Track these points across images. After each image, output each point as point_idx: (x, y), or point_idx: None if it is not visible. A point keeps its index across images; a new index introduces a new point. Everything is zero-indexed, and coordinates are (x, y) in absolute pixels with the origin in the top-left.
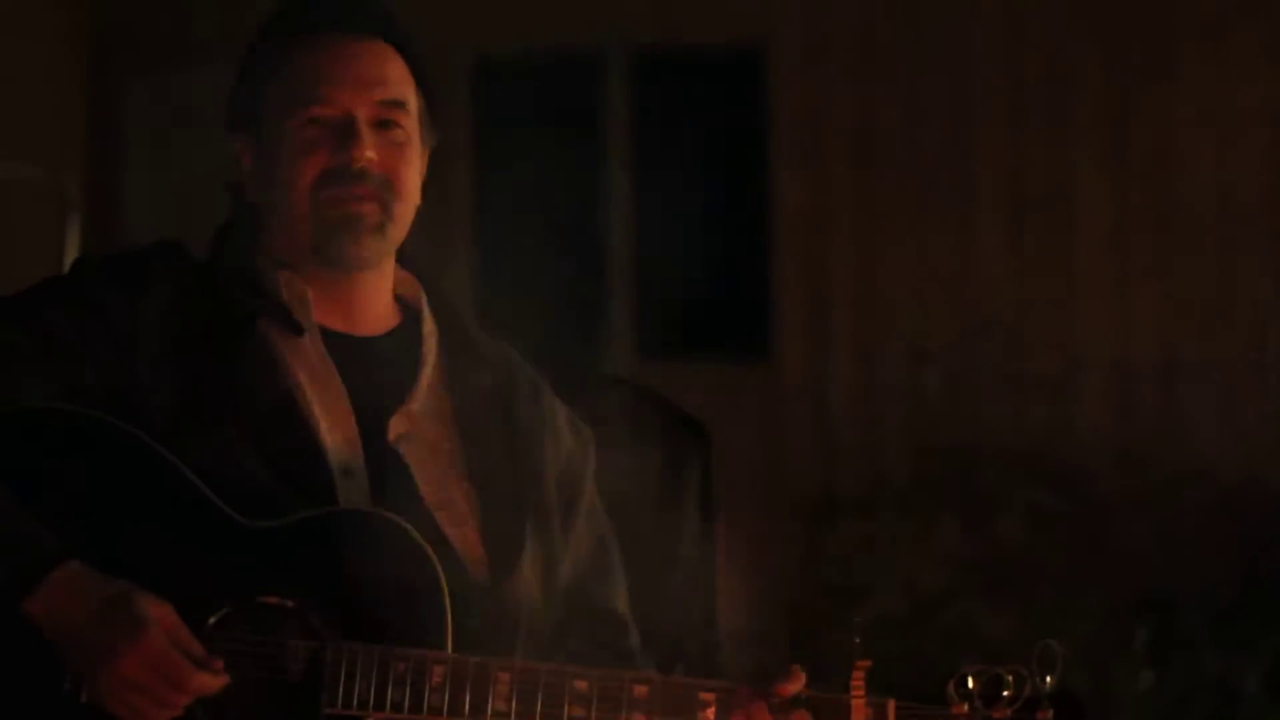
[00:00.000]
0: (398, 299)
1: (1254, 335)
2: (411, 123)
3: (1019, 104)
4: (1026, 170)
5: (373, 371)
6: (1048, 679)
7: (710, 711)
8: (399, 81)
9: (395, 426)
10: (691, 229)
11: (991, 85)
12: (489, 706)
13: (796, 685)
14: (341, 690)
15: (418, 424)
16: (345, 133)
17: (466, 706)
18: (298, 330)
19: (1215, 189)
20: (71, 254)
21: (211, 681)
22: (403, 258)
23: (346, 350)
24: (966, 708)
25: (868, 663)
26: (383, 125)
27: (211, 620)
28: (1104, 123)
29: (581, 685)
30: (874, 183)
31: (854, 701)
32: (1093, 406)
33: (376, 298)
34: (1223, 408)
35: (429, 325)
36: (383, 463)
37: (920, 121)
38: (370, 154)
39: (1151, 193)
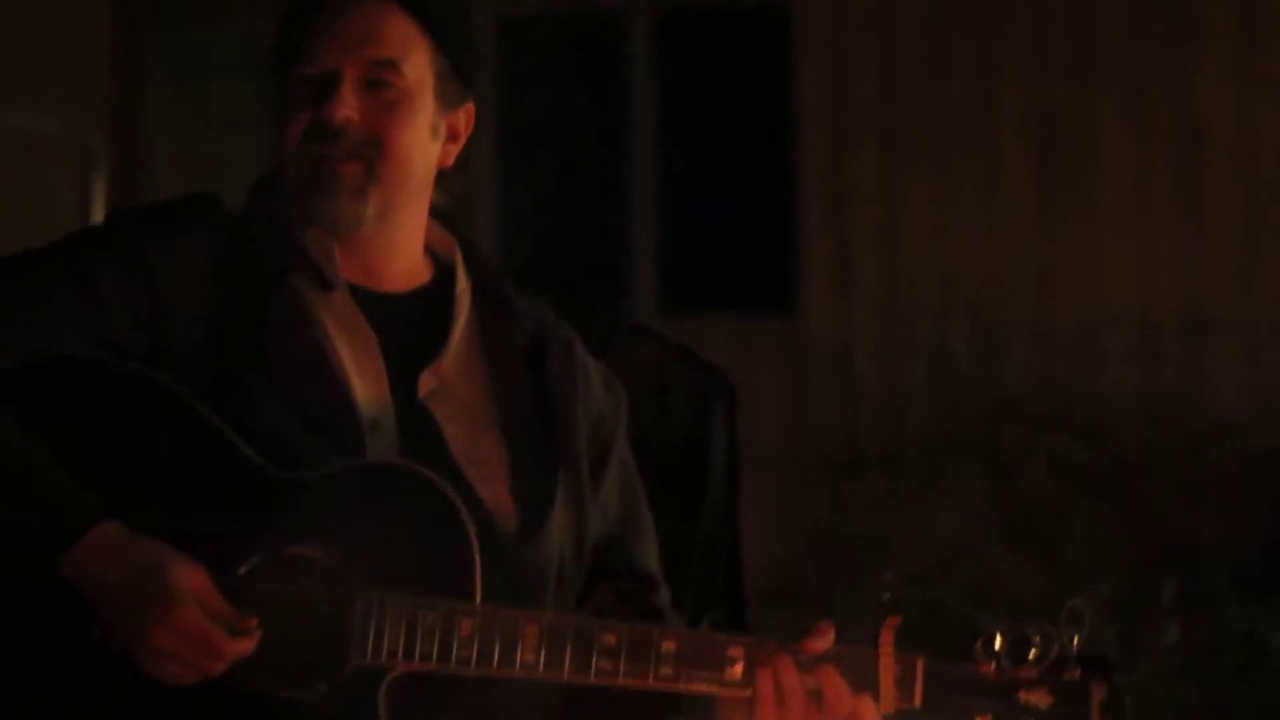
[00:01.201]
0: (431, 255)
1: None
2: (407, 83)
3: (1044, 60)
4: (1052, 126)
5: (401, 328)
6: (1075, 639)
7: (738, 667)
8: (396, 40)
9: (426, 383)
10: (716, 184)
11: (1017, 40)
12: (517, 658)
13: (825, 643)
14: (371, 641)
15: (448, 381)
16: (328, 90)
17: (495, 658)
18: (328, 285)
19: (1240, 145)
20: (97, 208)
21: (246, 646)
22: (439, 213)
23: (374, 306)
24: (994, 666)
25: (898, 619)
26: (374, 85)
27: (241, 570)
28: (1129, 78)
29: (610, 639)
30: (899, 139)
31: (883, 658)
32: (1118, 362)
33: (401, 253)
34: (1248, 365)
35: (462, 282)
36: (413, 418)
37: (945, 77)
38: (347, 112)
39: (1177, 148)
